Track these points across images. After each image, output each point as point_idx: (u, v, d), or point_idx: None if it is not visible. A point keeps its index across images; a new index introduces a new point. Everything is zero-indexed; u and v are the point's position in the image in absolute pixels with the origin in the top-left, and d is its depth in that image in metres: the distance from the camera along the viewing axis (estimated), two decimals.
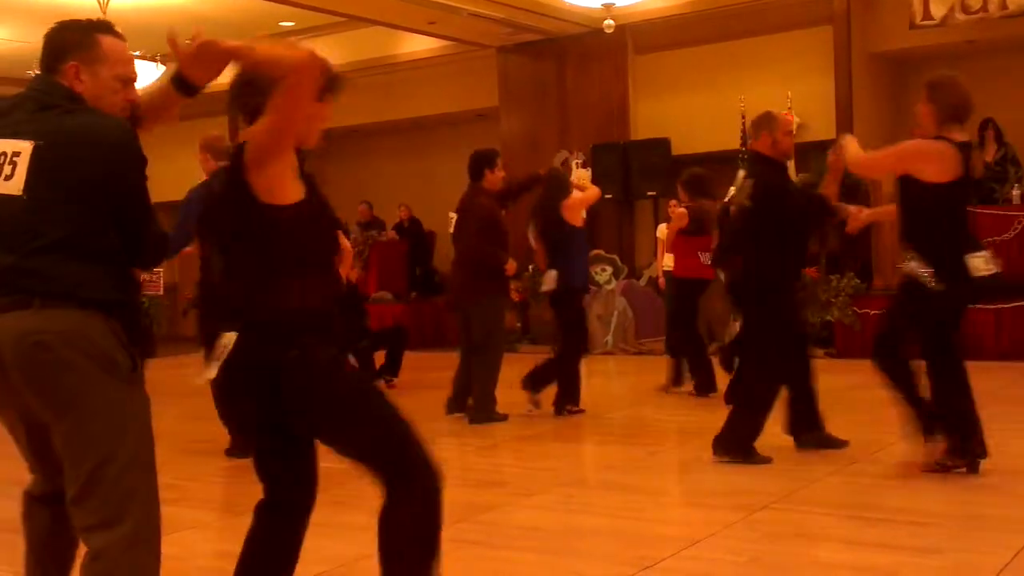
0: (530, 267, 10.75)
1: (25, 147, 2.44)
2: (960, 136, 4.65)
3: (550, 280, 7.00)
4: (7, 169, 2.43)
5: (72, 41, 2.60)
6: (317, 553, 4.06)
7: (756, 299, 5.30)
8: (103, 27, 2.69)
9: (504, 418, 6.87)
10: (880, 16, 11.36)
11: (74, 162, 2.44)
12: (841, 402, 5.72)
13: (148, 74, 11.90)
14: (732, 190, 5.54)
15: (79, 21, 2.66)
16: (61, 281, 2.39)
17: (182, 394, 9.61)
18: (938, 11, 10.44)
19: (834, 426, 5.48)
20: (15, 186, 2.42)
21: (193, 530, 4.62)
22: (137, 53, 11.62)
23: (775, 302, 5.24)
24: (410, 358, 9.44)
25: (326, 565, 3.87)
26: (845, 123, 10.93)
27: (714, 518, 4.31)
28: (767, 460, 5.13)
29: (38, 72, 2.63)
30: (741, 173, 5.50)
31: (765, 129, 5.29)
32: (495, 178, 6.90)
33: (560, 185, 7.22)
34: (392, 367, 9.02)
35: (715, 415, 6.57)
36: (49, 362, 2.38)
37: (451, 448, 6.05)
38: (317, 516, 4.70)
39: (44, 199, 2.41)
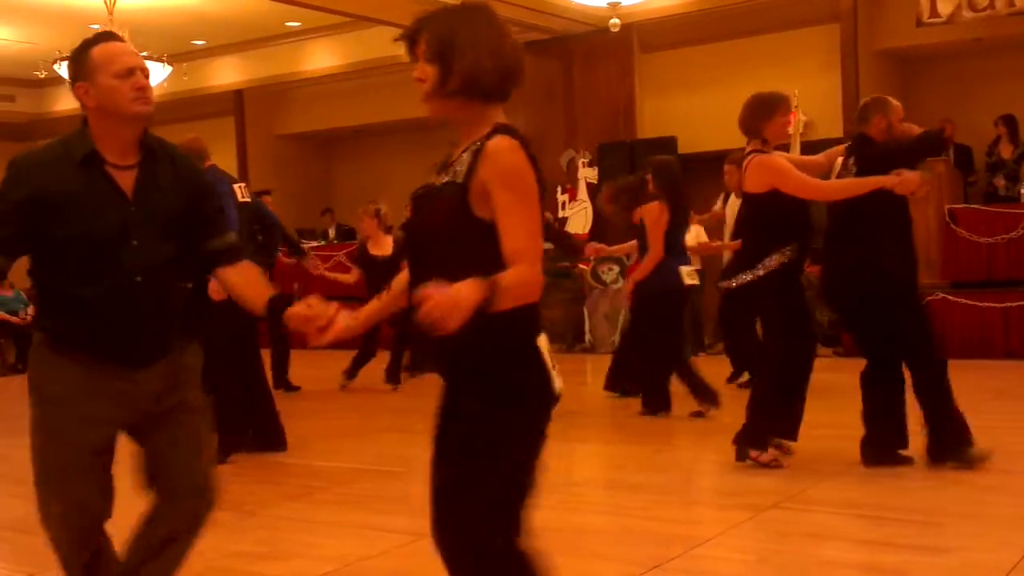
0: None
1: None
2: None
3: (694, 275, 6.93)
4: None
5: (72, 68, 2.69)
6: (324, 552, 4.06)
7: (892, 297, 4.92)
8: (96, 40, 2.72)
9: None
10: (887, 13, 11.33)
11: None
12: (850, 401, 5.68)
13: (155, 74, 11.92)
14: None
15: (78, 46, 2.72)
16: None
17: None
18: (945, 8, 10.40)
19: (842, 425, 5.47)
20: None
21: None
22: (144, 53, 11.64)
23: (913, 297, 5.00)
24: None
25: (333, 564, 3.87)
26: (852, 121, 10.90)
27: (722, 517, 4.31)
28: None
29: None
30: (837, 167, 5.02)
31: (880, 113, 4.93)
32: None
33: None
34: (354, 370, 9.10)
35: (724, 413, 6.57)
36: None
37: None
38: (324, 515, 4.72)
39: None
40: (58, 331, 2.71)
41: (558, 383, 2.29)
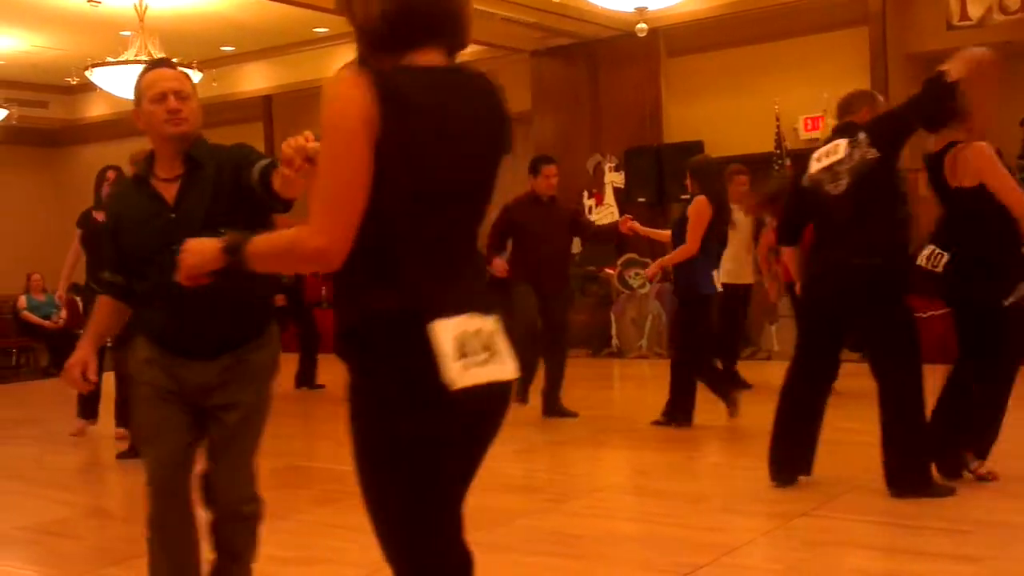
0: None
1: None
2: None
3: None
4: None
5: (133, 96, 3.00)
6: (352, 557, 4.08)
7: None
8: (146, 68, 3.02)
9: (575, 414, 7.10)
10: (917, 17, 11.24)
11: None
12: (875, 406, 5.64)
13: None
14: (815, 164, 4.68)
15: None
16: None
17: None
18: (976, 11, 10.32)
19: (866, 431, 5.42)
20: None
21: None
22: (176, 60, 11.75)
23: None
24: None
25: (361, 570, 3.89)
26: None
27: (751, 525, 4.29)
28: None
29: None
30: (841, 143, 4.61)
31: (867, 105, 4.85)
32: (538, 184, 7.18)
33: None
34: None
35: (750, 420, 6.54)
36: None
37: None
38: (353, 520, 4.73)
39: None
40: (134, 319, 3.05)
41: (459, 376, 1.84)
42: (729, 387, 6.88)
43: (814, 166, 4.72)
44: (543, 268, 7.09)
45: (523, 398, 7.12)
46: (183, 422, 2.95)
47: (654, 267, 7.06)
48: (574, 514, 4.65)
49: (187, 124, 2.90)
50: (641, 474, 5.69)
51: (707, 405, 7.36)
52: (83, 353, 2.95)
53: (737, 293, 7.94)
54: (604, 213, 12.30)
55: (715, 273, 6.64)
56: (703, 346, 6.70)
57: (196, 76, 11.97)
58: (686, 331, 6.76)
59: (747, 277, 8.15)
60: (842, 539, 4.12)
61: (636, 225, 7.05)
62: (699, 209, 6.46)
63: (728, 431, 6.60)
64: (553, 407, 7.16)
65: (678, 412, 6.65)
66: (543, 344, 7.17)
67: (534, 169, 7.25)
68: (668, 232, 7.04)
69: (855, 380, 6.03)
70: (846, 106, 4.91)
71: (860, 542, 4.06)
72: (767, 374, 8.42)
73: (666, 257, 6.71)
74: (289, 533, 4.60)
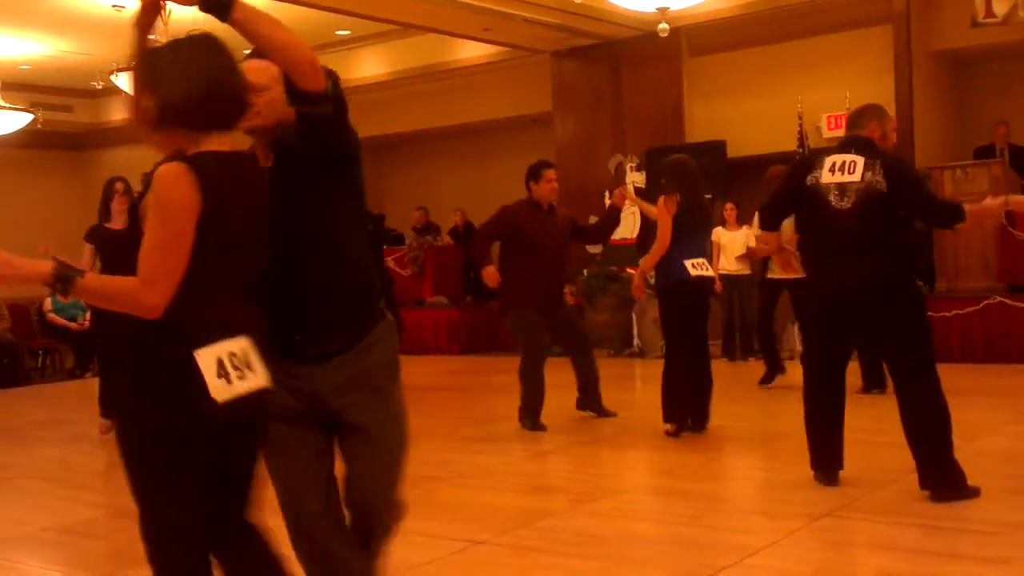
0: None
1: None
2: None
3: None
4: None
5: None
6: None
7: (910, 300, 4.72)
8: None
9: (543, 428, 6.83)
10: (941, 14, 11.16)
11: None
12: (887, 406, 5.60)
13: None
14: (828, 174, 4.66)
15: None
16: None
17: None
18: (1000, 8, 10.24)
19: (891, 434, 5.39)
20: None
21: None
22: None
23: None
24: (468, 362, 9.46)
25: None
26: (905, 124, 10.74)
27: (776, 526, 4.27)
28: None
29: None
30: (859, 161, 4.62)
31: (876, 120, 4.83)
32: (539, 189, 6.90)
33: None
34: None
35: (776, 421, 6.52)
36: None
37: (508, 453, 6.06)
38: None
39: None
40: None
41: (220, 391, 2.31)
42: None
43: (826, 175, 4.69)
44: (544, 279, 6.83)
45: (532, 424, 6.90)
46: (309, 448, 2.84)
47: (636, 280, 6.81)
48: (597, 515, 4.64)
49: (259, 118, 2.72)
50: (664, 475, 5.68)
51: (731, 407, 7.35)
52: None
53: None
54: (625, 213, 12.26)
55: (687, 263, 6.29)
56: (687, 339, 6.42)
57: None
58: (668, 325, 6.52)
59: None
60: (867, 540, 4.09)
61: (629, 193, 7.02)
62: (661, 209, 6.33)
63: (751, 432, 6.57)
64: (595, 405, 7.10)
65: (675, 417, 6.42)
66: (571, 351, 7.07)
67: (534, 174, 6.90)
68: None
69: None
70: (855, 120, 4.93)
71: (886, 543, 4.03)
72: (790, 374, 8.39)
73: (642, 262, 6.61)
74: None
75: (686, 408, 6.37)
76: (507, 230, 6.92)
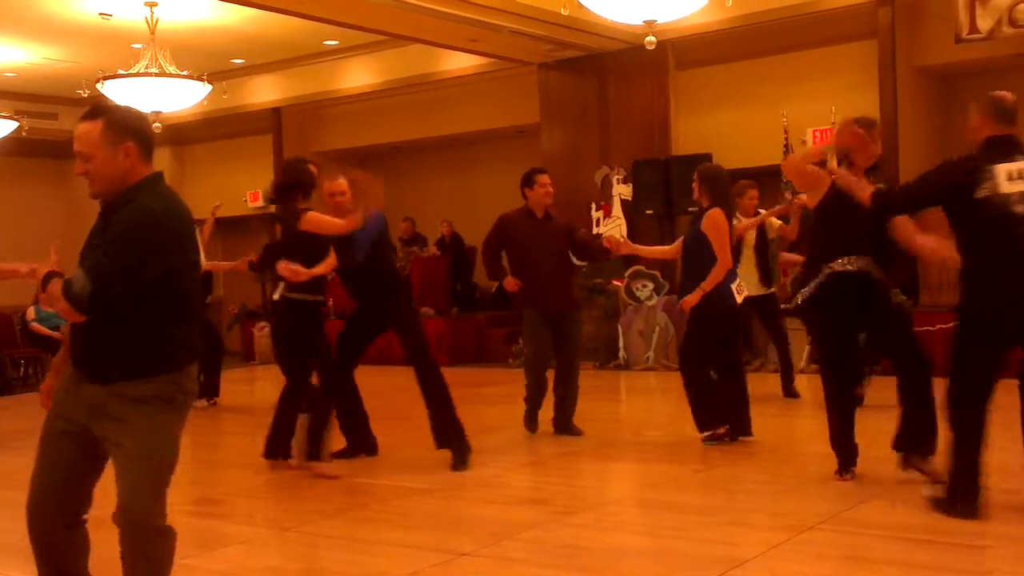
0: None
1: None
2: None
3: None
4: None
5: None
6: (361, 570, 4.07)
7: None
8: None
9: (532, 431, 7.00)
10: (925, 30, 11.23)
11: None
12: (890, 420, 5.62)
13: (195, 93, 12.06)
14: (1007, 183, 4.54)
15: None
16: None
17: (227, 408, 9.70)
18: (985, 24, 10.30)
19: (882, 444, 5.41)
20: None
21: (240, 545, 4.64)
22: (185, 72, 11.79)
23: None
24: (455, 373, 9.44)
25: None
26: (890, 138, 10.80)
27: (760, 538, 4.27)
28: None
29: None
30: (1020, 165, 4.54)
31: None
32: (534, 195, 6.92)
33: None
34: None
35: (759, 433, 6.51)
36: None
37: (494, 465, 6.04)
38: (361, 532, 4.73)
39: None
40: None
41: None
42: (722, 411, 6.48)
43: (1005, 185, 4.50)
44: (547, 288, 6.84)
45: (532, 427, 7.03)
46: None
47: (693, 297, 6.26)
48: (582, 527, 4.63)
49: (93, 186, 3.01)
50: (649, 487, 5.67)
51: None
52: None
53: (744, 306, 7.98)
54: (612, 225, 12.29)
55: (733, 287, 6.33)
56: (707, 358, 6.44)
57: (206, 89, 12.03)
58: (697, 344, 6.41)
59: (756, 289, 8.17)
60: (853, 553, 4.09)
61: (625, 243, 6.92)
62: (717, 223, 6.19)
63: (739, 444, 6.56)
64: (565, 426, 7.04)
65: (715, 422, 6.42)
66: (557, 365, 7.05)
67: (528, 181, 6.90)
68: (654, 248, 7.04)
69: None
70: (1010, 115, 4.82)
71: (872, 556, 4.03)
72: (774, 386, 8.40)
73: (704, 282, 6.22)
74: (297, 545, 4.60)
75: (726, 416, 6.43)
76: (502, 238, 7.00)
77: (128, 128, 2.93)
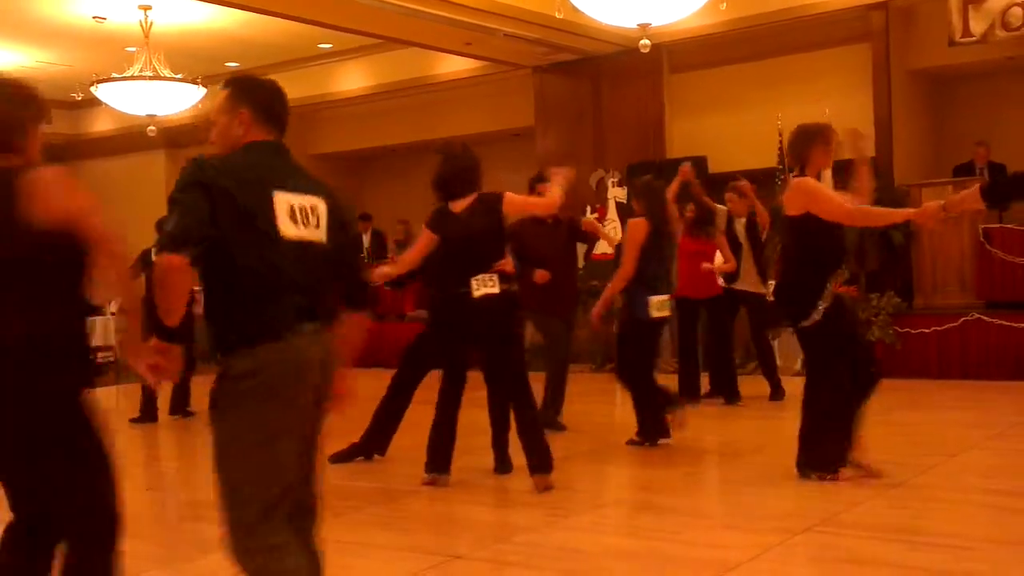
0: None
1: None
2: None
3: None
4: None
5: None
6: (354, 573, 4.07)
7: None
8: None
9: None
10: (919, 33, 11.27)
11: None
12: (882, 423, 5.65)
13: (190, 96, 12.06)
14: None
15: None
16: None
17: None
18: (978, 27, 10.33)
19: (875, 447, 5.42)
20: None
21: None
22: (179, 76, 11.79)
23: None
24: None
25: None
26: (884, 141, 10.84)
27: (753, 541, 4.27)
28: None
29: None
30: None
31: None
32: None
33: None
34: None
35: (755, 435, 6.53)
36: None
37: (486, 468, 6.03)
38: (355, 535, 4.72)
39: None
40: None
41: None
42: (657, 416, 6.52)
43: None
44: (549, 292, 6.93)
45: (558, 426, 7.08)
46: None
47: (599, 306, 6.67)
48: (576, 529, 4.63)
49: (212, 147, 2.99)
50: (643, 490, 5.67)
51: (707, 422, 7.36)
52: None
53: (738, 298, 8.44)
54: (607, 228, 12.29)
55: (652, 299, 6.31)
56: (640, 367, 6.52)
57: (201, 92, 12.03)
58: (625, 352, 6.57)
59: (755, 287, 8.41)
60: (846, 556, 4.09)
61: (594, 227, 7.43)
62: (632, 232, 6.32)
63: (730, 446, 6.57)
64: (551, 420, 7.08)
65: (649, 430, 6.49)
66: (547, 371, 7.15)
67: (532, 190, 6.97)
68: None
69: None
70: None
71: (865, 559, 4.03)
72: (764, 388, 8.41)
73: (606, 290, 6.55)
74: None
75: (662, 423, 6.48)
76: (511, 243, 7.02)
77: (245, 96, 2.99)
